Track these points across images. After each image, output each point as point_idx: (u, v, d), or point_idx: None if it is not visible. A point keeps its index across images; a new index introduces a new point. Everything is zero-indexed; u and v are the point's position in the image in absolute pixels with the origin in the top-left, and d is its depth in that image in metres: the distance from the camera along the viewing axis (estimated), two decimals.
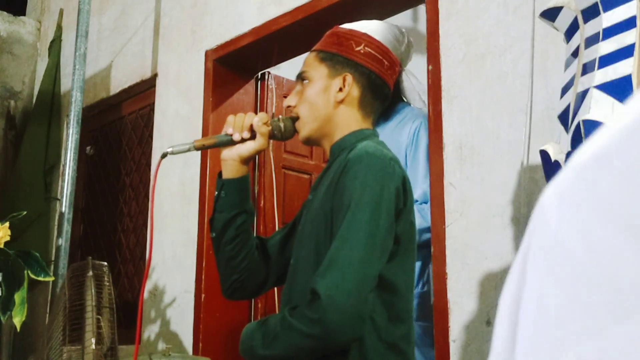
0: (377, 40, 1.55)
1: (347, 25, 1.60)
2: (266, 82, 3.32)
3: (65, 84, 3.90)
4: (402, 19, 3.50)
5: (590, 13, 1.35)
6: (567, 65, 1.44)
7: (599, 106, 1.25)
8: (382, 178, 1.34)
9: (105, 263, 2.16)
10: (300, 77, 1.56)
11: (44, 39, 4.29)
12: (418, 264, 2.22)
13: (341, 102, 1.51)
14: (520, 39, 2.05)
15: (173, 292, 3.11)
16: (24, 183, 3.76)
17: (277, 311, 2.97)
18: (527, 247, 0.37)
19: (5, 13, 4.23)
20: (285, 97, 1.67)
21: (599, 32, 1.31)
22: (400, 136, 2.37)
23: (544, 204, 0.36)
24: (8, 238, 2.60)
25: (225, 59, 3.16)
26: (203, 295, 2.95)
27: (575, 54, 1.40)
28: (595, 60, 1.30)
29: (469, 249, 2.06)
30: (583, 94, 1.30)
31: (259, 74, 3.32)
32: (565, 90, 1.41)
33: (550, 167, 1.41)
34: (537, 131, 1.97)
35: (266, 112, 3.23)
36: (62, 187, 3.12)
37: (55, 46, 4.02)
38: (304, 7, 2.79)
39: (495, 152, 2.07)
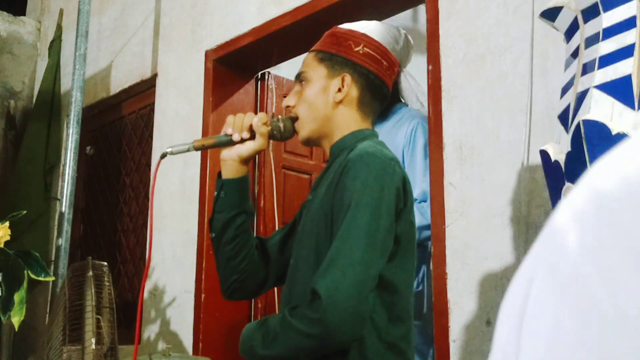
0: (376, 40, 1.55)
1: (345, 26, 1.60)
2: (266, 82, 3.32)
3: (65, 84, 3.90)
4: (402, 19, 3.51)
5: (590, 13, 1.35)
6: (567, 65, 1.44)
7: (599, 106, 1.25)
8: (382, 178, 1.34)
9: (105, 263, 2.16)
10: (299, 77, 1.56)
11: (44, 39, 4.29)
12: None
13: (340, 102, 1.51)
14: (520, 39, 2.05)
15: (173, 292, 3.11)
16: (24, 183, 3.76)
17: (277, 311, 2.97)
18: (536, 261, 0.33)
19: (5, 13, 4.23)
20: (285, 97, 1.67)
21: (599, 32, 1.31)
22: (397, 136, 2.38)
23: (560, 224, 0.32)
24: (8, 238, 2.60)
25: (225, 59, 3.16)
26: (203, 295, 2.95)
27: (575, 54, 1.40)
28: (595, 60, 1.29)
29: (469, 249, 2.06)
30: (583, 94, 1.30)
31: (259, 74, 3.32)
32: (565, 90, 1.41)
33: (550, 167, 1.41)
34: (537, 131, 1.97)
35: (266, 112, 3.23)
36: (62, 187, 3.12)
37: (55, 46, 4.01)
38: (304, 7, 2.78)
39: (495, 152, 2.06)
